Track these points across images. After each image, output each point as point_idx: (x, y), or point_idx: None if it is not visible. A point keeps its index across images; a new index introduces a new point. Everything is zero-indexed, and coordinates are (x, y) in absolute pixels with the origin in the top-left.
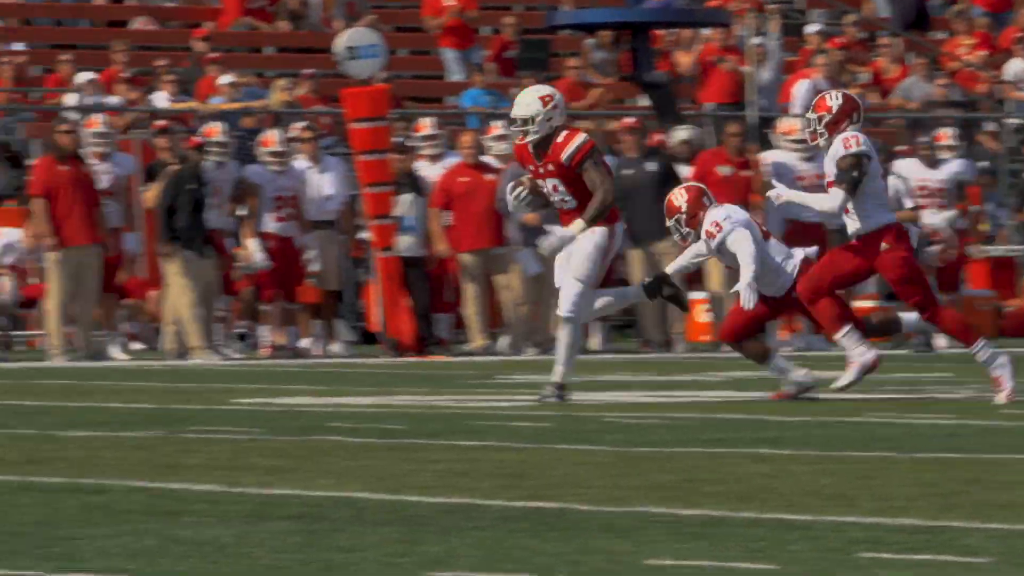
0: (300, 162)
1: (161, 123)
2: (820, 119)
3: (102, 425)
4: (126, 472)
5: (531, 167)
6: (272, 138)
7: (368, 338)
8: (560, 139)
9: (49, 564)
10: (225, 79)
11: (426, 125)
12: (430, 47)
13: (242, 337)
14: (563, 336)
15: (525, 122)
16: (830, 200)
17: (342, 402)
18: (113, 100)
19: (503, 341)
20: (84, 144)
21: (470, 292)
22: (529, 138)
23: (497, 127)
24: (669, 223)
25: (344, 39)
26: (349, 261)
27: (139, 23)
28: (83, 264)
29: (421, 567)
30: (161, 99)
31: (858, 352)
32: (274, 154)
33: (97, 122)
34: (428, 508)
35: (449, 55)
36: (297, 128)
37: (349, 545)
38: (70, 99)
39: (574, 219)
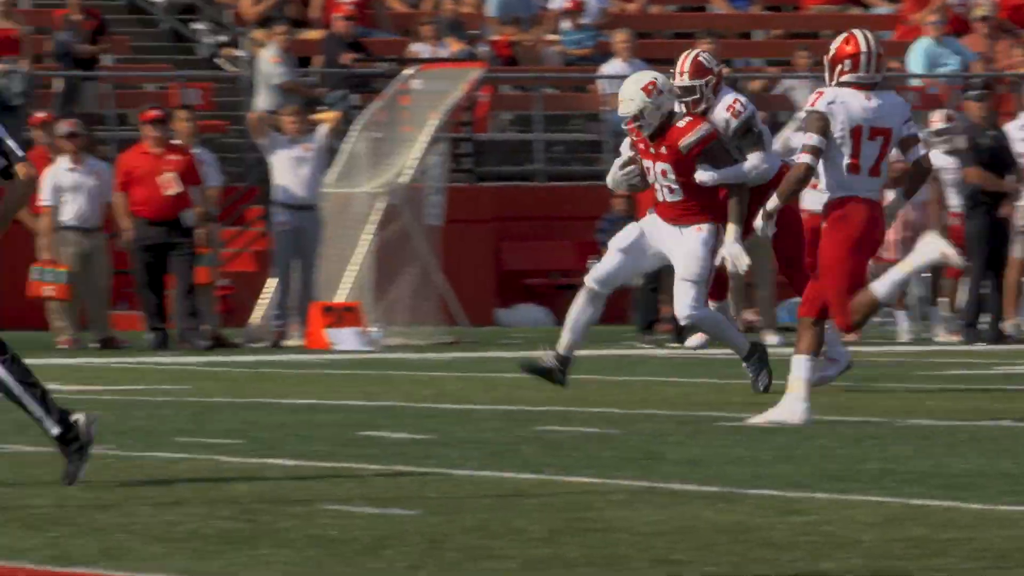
0: None
1: None
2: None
3: None
4: None
5: (641, 145)
6: None
7: None
8: (681, 124)
9: None
10: None
11: None
12: None
13: None
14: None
15: (636, 117)
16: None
17: None
18: None
19: None
20: None
21: None
22: (644, 132)
23: None
24: None
25: None
26: None
27: None
28: None
29: None
30: None
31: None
32: None
33: None
34: None
35: None
36: None
37: None
38: None
39: (675, 212)
